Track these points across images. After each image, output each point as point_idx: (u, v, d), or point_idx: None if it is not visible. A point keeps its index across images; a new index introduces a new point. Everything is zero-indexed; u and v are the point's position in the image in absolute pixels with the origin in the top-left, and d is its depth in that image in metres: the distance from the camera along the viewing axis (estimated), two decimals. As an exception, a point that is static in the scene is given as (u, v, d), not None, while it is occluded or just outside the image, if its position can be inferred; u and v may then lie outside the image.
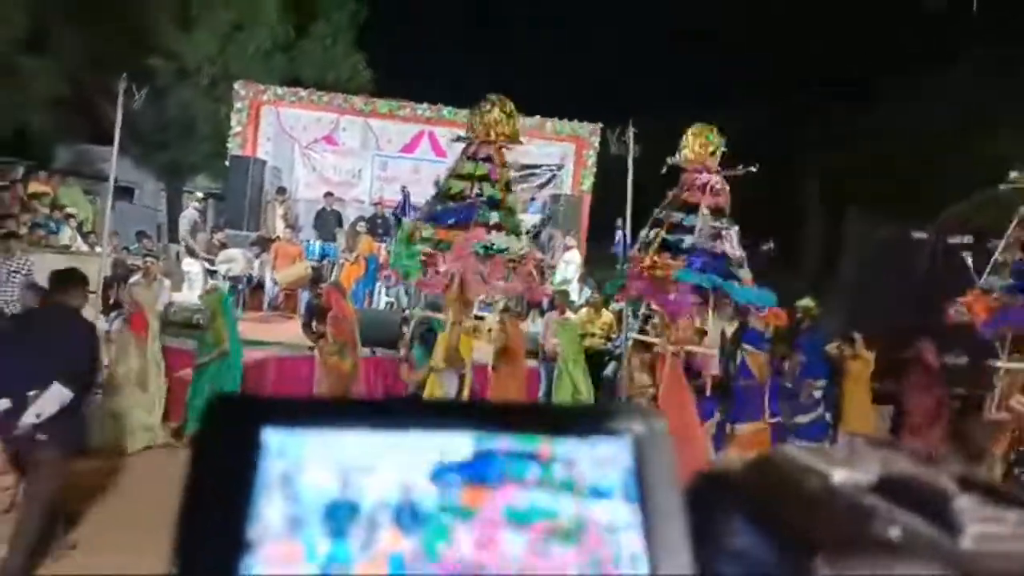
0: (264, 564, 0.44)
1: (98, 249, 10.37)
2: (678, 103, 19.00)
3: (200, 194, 13.54)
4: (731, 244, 6.97)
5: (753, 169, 6.99)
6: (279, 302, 11.73)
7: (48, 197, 12.02)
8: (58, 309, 4.78)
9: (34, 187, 12.31)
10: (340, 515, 0.46)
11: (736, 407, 8.37)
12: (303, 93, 13.79)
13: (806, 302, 11.70)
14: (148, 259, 9.91)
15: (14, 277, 8.42)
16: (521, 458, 0.49)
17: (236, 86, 13.49)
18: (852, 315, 11.14)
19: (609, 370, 8.02)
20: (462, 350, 6.22)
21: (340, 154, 13.79)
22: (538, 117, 14.08)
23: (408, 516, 0.46)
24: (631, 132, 14.27)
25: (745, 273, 7.25)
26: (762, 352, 8.56)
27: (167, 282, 9.39)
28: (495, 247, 6.31)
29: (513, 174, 6.73)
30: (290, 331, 9.15)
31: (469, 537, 0.47)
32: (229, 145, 13.47)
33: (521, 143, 7.15)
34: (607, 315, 10.01)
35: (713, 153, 7.18)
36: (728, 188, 7.04)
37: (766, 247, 7.08)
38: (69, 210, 12.00)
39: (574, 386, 8.02)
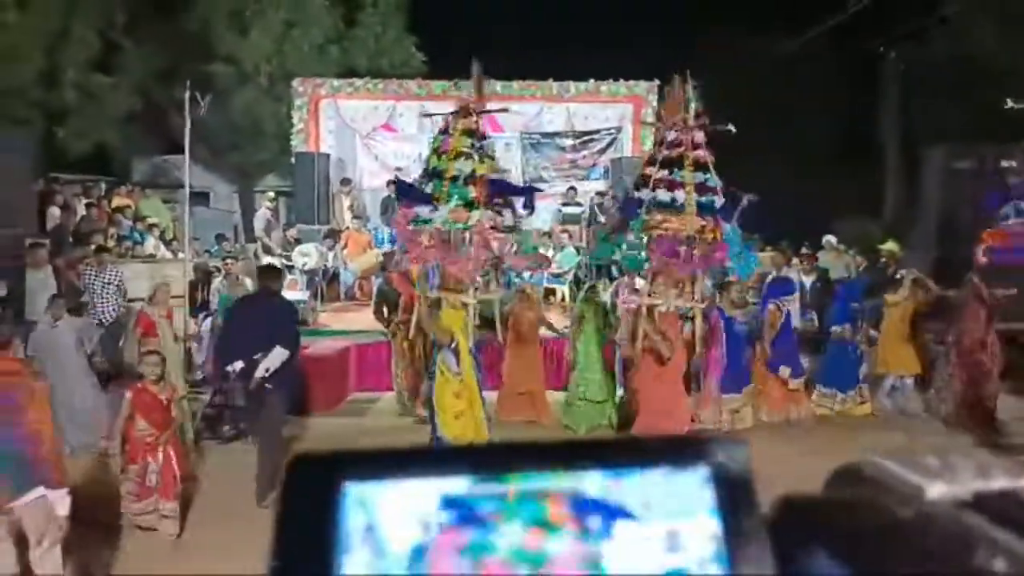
0: None
1: (180, 255, 10.84)
2: (737, 36, 18.46)
3: (271, 193, 13.97)
4: (720, 197, 6.84)
5: (731, 128, 6.87)
6: (355, 291, 12.05)
7: (130, 210, 12.61)
8: (266, 293, 6.36)
9: (117, 201, 12.93)
10: (414, 564, 0.46)
11: (784, 360, 8.28)
12: (359, 83, 13.99)
13: (890, 245, 11.30)
14: (227, 260, 10.31)
15: (107, 288, 8.91)
16: (602, 504, 0.49)
17: (294, 83, 13.78)
18: (931, 254, 10.69)
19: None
20: (450, 325, 6.17)
21: (399, 140, 13.94)
22: (592, 81, 13.90)
23: (514, 554, 0.47)
24: (690, 85, 13.95)
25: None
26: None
27: (248, 281, 9.76)
28: (421, 219, 6.28)
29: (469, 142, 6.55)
30: (367, 319, 9.39)
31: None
32: (293, 142, 13.80)
33: (506, 110, 7.00)
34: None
35: (688, 108, 7.04)
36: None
37: (748, 198, 6.85)
38: (151, 220, 12.58)
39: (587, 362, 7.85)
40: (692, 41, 17.88)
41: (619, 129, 14.00)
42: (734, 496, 0.49)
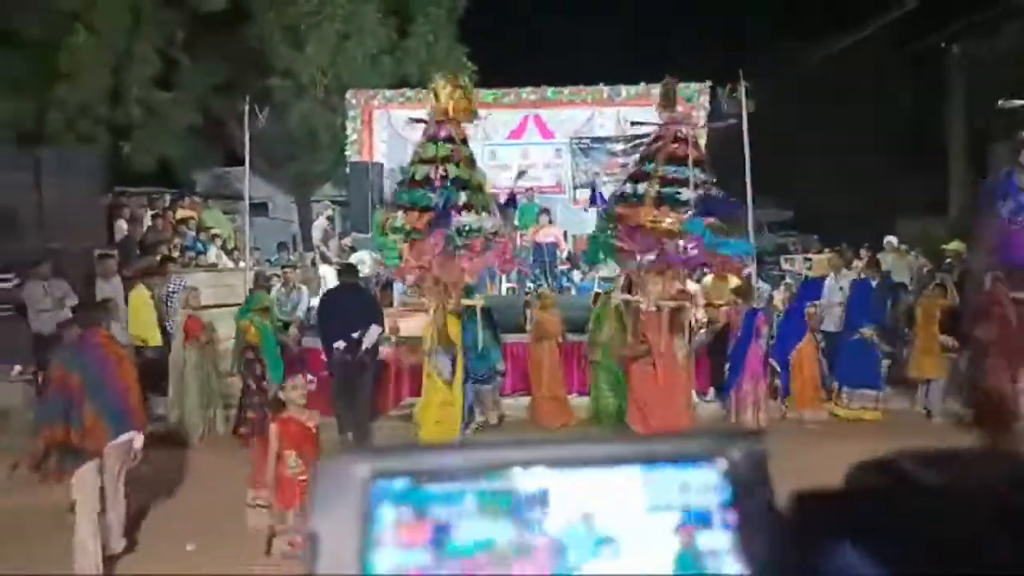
0: None
1: (241, 264, 11.13)
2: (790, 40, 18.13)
3: (328, 202, 14.23)
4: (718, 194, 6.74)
5: (733, 122, 6.81)
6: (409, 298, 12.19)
7: (193, 220, 13.00)
8: (351, 284, 8.02)
9: (180, 213, 13.35)
10: (443, 559, 0.47)
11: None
12: (410, 93, 14.15)
13: (955, 245, 10.97)
14: (286, 268, 10.55)
15: (171, 298, 9.19)
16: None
17: (347, 95, 14.03)
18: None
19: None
20: (451, 332, 6.17)
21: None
22: (643, 84, 13.81)
23: (542, 551, 0.48)
24: (743, 86, 13.80)
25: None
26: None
27: (305, 289, 9.96)
28: (468, 229, 6.23)
29: (477, 149, 6.57)
30: (419, 325, 9.48)
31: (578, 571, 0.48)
32: (347, 152, 14.04)
33: (479, 117, 7.02)
34: (734, 281, 9.74)
35: (691, 105, 7.03)
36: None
37: (721, 194, 6.75)
38: (213, 230, 12.95)
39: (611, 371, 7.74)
40: (748, 42, 17.64)
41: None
42: (751, 491, 0.49)
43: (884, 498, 0.51)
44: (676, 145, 6.76)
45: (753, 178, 12.76)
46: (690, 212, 6.63)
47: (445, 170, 6.37)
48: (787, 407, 8.46)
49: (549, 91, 13.74)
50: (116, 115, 15.01)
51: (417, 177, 6.48)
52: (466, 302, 6.55)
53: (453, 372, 6.17)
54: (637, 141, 13.92)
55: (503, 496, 0.49)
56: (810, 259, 12.26)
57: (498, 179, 13.51)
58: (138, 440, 5.07)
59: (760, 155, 12.78)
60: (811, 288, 9.26)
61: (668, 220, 6.52)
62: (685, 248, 6.68)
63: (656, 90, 13.73)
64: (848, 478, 0.54)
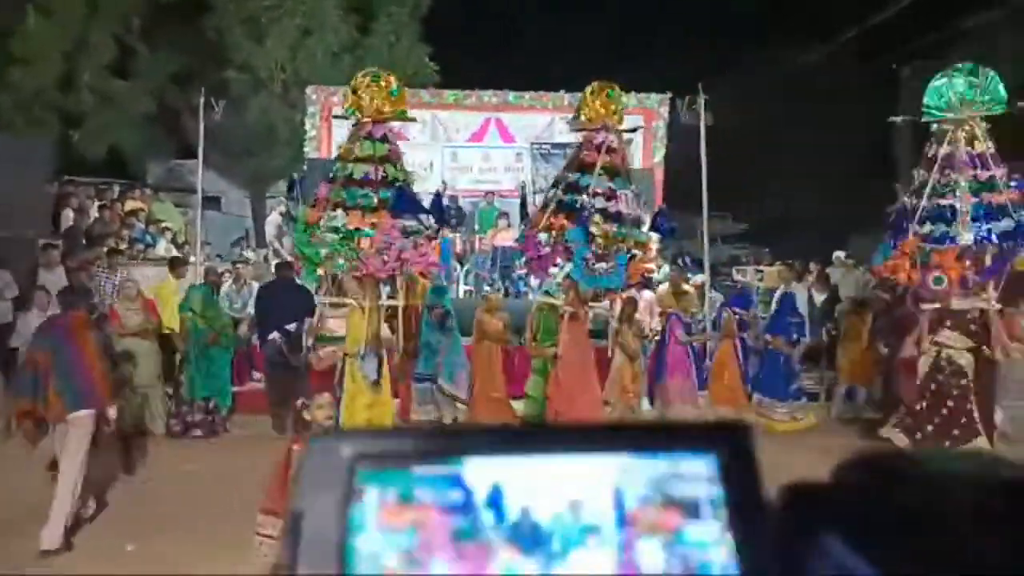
0: None
1: (192, 258, 10.92)
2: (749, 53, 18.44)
3: (283, 198, 14.02)
4: (626, 204, 6.85)
5: (641, 125, 6.98)
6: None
7: (143, 212, 12.70)
8: (287, 279, 8.32)
9: (130, 204, 13.03)
10: (422, 543, 0.47)
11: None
12: (371, 91, 14.07)
13: None
14: (238, 264, 10.38)
15: (117, 292, 8.98)
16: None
17: (308, 91, 13.87)
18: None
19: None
20: (382, 332, 6.15)
21: (411, 148, 13.98)
22: (604, 93, 13.92)
23: (527, 538, 0.48)
24: (702, 99, 14.00)
25: (639, 234, 7.10)
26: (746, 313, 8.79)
27: (256, 285, 9.80)
28: (412, 229, 6.29)
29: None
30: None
31: (564, 557, 0.48)
32: (306, 149, 13.89)
33: (413, 119, 7.05)
34: (689, 290, 9.88)
35: (615, 111, 7.08)
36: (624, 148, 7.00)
37: (660, 209, 7.00)
38: (163, 224, 12.67)
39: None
40: (709, 56, 17.91)
41: (630, 141, 13.99)
42: (741, 482, 0.49)
43: (873, 492, 0.51)
44: (609, 156, 6.82)
45: (710, 190, 12.97)
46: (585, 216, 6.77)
47: (384, 170, 6.25)
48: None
49: (511, 95, 13.78)
50: (68, 102, 14.62)
51: (356, 176, 6.36)
52: (394, 303, 6.45)
53: (380, 373, 6.07)
54: (596, 148, 14.06)
55: (489, 481, 0.49)
56: (761, 271, 12.49)
57: (459, 181, 13.51)
58: (111, 411, 5.50)
59: (717, 167, 12.99)
60: (738, 298, 9.59)
61: (555, 229, 6.64)
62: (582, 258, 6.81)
63: (624, 98, 13.93)
64: (837, 472, 0.55)
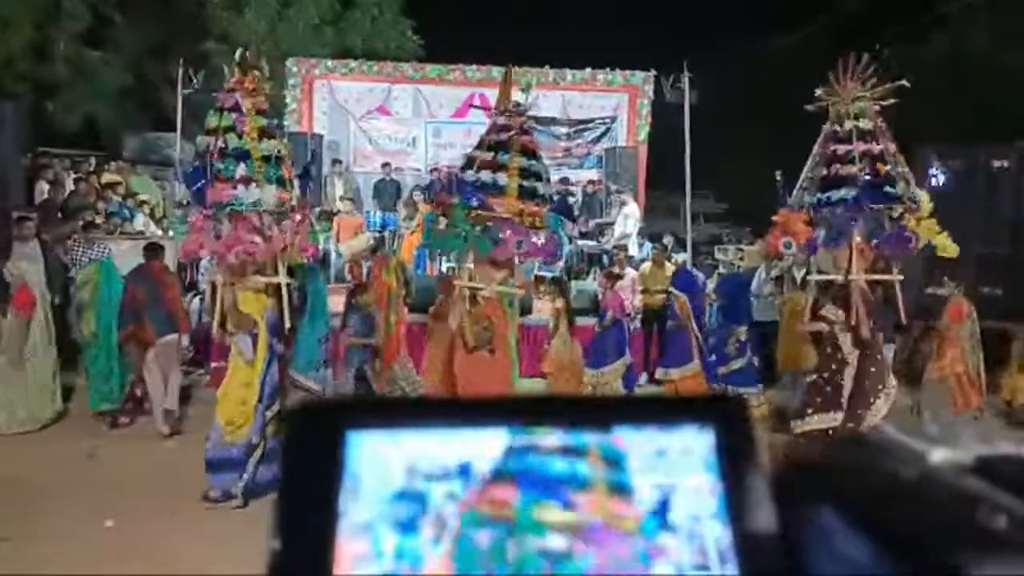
0: (344, 562, 0.45)
1: (171, 233, 10.77)
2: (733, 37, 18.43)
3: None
4: (545, 184, 6.87)
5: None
6: (345, 274, 12.01)
7: (120, 186, 12.50)
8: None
9: (107, 177, 12.82)
10: (410, 511, 0.46)
11: (667, 352, 8.45)
12: (353, 64, 13.89)
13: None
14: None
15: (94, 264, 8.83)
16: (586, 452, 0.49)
17: (288, 63, 13.67)
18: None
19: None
20: (250, 310, 5.89)
21: (394, 123, 13.87)
22: (589, 70, 13.86)
23: (493, 514, 0.47)
24: (686, 77, 13.97)
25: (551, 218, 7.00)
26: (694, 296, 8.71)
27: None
28: (240, 203, 5.70)
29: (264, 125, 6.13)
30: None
31: (554, 531, 0.47)
32: (286, 122, 13.71)
33: (267, 93, 6.65)
34: (670, 268, 9.90)
35: (509, 95, 7.02)
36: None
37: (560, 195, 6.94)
38: (141, 197, 12.48)
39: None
40: (693, 35, 17.86)
41: (614, 119, 13.98)
42: (737, 455, 0.49)
43: (870, 468, 0.50)
44: (525, 137, 6.73)
45: (692, 169, 12.99)
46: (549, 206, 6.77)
47: (224, 141, 5.81)
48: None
49: (494, 70, 13.66)
50: (42, 71, 14.31)
51: (199, 150, 5.99)
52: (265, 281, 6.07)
53: (255, 352, 5.86)
54: (581, 126, 14.01)
55: (482, 453, 0.48)
56: (742, 249, 12.55)
57: (442, 158, 13.41)
58: (184, 339, 7.69)
59: (700, 146, 12.99)
60: (683, 279, 9.33)
61: (528, 215, 6.55)
62: (549, 249, 6.76)
63: (602, 76, 13.90)
64: (835, 448, 0.55)
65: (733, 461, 0.49)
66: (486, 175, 6.49)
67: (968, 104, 14.37)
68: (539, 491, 0.47)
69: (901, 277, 6.55)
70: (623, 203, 12.11)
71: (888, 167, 6.25)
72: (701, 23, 19.55)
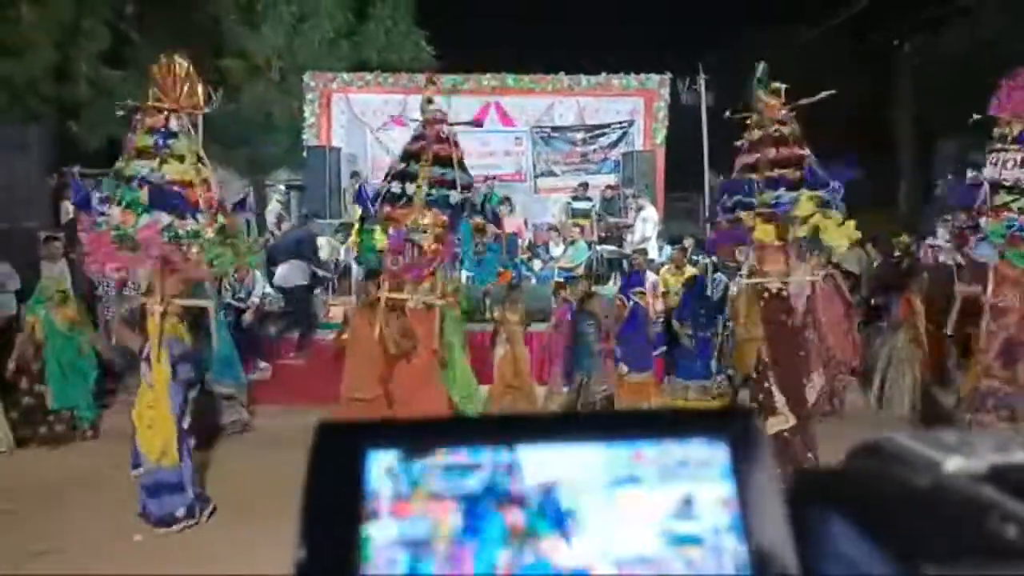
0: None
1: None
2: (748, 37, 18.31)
3: (282, 187, 13.97)
4: (459, 191, 6.70)
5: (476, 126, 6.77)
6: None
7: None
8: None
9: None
10: (427, 530, 0.47)
11: (627, 354, 8.35)
12: (369, 77, 13.98)
13: (903, 238, 11.25)
14: (240, 254, 10.33)
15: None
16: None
17: (305, 77, 13.79)
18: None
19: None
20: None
21: (410, 134, 13.92)
22: (604, 75, 13.86)
23: (509, 532, 0.47)
24: (702, 79, 13.92)
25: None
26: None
27: (258, 273, 9.79)
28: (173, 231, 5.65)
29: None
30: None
31: (574, 545, 0.47)
32: (304, 136, 13.82)
33: (202, 109, 6.58)
34: (690, 271, 9.85)
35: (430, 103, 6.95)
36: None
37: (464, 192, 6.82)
38: (164, 214, 12.58)
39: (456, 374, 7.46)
40: (709, 33, 17.79)
41: (631, 123, 13.95)
42: (751, 467, 0.50)
43: (882, 476, 0.51)
44: (440, 145, 6.66)
45: (711, 170, 12.94)
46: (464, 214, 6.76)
47: (143, 165, 5.80)
48: None
49: (509, 78, 13.70)
50: (64, 92, 14.51)
51: (127, 173, 5.90)
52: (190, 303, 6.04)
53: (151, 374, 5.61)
54: (598, 131, 14.01)
55: (500, 471, 0.49)
56: (764, 250, 12.46)
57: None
58: None
59: (717, 147, 12.92)
60: (630, 278, 9.21)
61: (436, 225, 6.48)
62: (444, 254, 6.68)
63: (617, 81, 13.88)
64: (847, 458, 0.55)
65: (747, 472, 0.49)
66: (396, 185, 6.51)
67: (987, 96, 14.17)
68: (553, 514, 0.48)
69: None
70: (641, 207, 12.08)
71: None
72: (711, 21, 19.49)
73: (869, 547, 0.45)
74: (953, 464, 0.48)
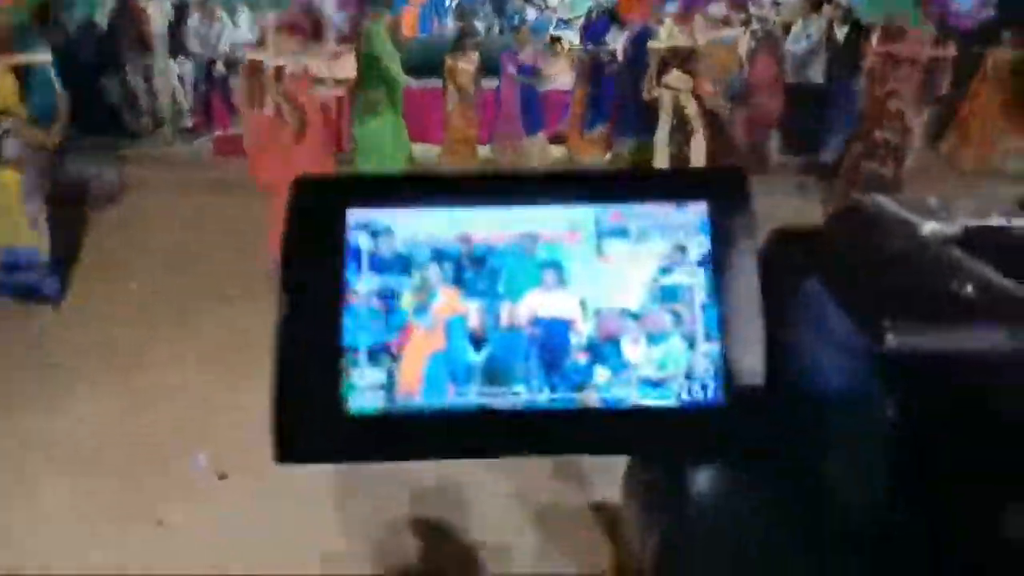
0: (348, 331, 0.47)
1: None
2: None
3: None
4: None
5: None
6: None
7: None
8: None
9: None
10: (407, 284, 0.48)
11: None
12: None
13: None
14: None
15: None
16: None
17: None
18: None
19: None
20: None
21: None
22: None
23: (473, 276, 0.48)
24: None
25: None
26: None
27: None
28: None
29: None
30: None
31: (557, 296, 0.48)
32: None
33: None
34: None
35: None
36: None
37: None
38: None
39: None
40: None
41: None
42: (729, 228, 0.49)
43: (857, 238, 0.52)
44: None
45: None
46: None
47: None
48: None
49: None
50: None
51: None
52: None
53: None
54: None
55: (480, 230, 0.49)
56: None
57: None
58: None
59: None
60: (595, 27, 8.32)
61: None
62: None
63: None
64: (827, 220, 0.55)
65: (724, 234, 0.49)
66: None
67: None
68: (533, 267, 0.48)
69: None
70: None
71: None
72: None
73: (835, 308, 0.45)
74: (929, 228, 0.48)
